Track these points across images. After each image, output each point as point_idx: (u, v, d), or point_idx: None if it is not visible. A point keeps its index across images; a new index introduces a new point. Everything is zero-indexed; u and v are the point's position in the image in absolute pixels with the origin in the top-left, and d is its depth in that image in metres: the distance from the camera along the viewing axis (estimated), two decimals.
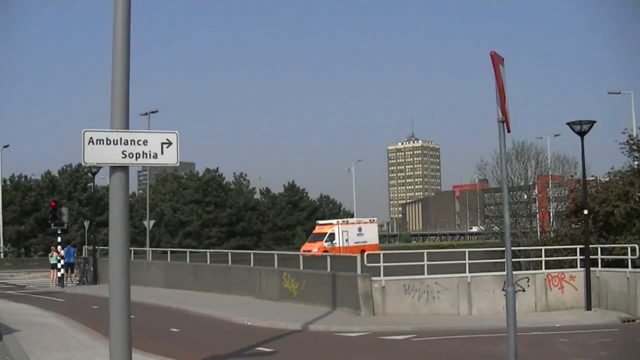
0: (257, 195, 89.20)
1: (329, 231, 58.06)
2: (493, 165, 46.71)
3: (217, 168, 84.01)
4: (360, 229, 60.51)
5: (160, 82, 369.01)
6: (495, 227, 53.96)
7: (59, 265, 33.21)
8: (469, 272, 22.21)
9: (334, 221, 61.90)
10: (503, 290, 20.10)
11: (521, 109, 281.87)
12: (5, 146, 67.09)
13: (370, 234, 61.74)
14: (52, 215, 33.16)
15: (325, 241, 56.25)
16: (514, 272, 12.04)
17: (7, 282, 37.27)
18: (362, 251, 54.95)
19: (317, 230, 60.64)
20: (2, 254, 56.38)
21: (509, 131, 9.66)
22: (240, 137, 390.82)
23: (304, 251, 50.81)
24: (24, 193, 71.09)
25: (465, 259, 22.30)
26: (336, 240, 56.84)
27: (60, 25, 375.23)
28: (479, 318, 20.97)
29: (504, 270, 21.99)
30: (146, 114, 51.90)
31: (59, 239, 33.85)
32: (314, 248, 54.16)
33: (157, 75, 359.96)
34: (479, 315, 21.49)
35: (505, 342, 9.63)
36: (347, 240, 57.27)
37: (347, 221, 62.65)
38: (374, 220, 65.36)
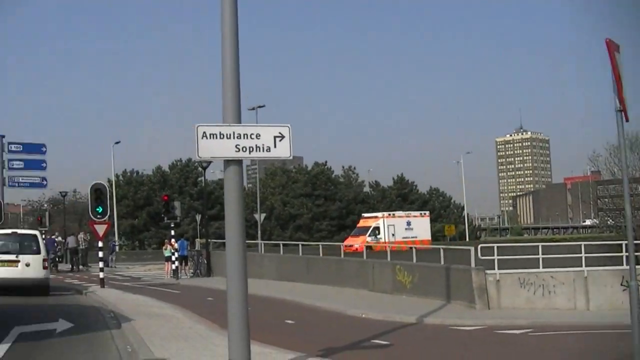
0: (367, 189, 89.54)
1: (374, 225, 54.98)
2: (606, 156, 45.28)
3: (326, 162, 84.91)
4: (409, 223, 57.28)
5: (266, 76, 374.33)
6: (610, 220, 52.11)
7: (173, 258, 34.29)
8: (585, 266, 21.64)
9: (380, 214, 58.36)
10: (622, 285, 19.54)
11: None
12: (117, 142, 69.92)
13: (421, 229, 58.07)
14: (165, 209, 34.30)
15: (369, 235, 53.14)
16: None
17: (123, 274, 38.78)
18: (411, 248, 52.07)
19: (362, 223, 57.46)
20: (117, 247, 58.73)
21: (627, 120, 9.35)
22: (348, 130, 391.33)
23: (346, 246, 47.95)
24: (136, 188, 73.98)
25: (581, 252, 21.70)
26: (381, 235, 53.50)
27: (169, 22, 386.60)
28: (598, 313, 20.29)
29: (621, 265, 21.41)
30: (254, 108, 52.89)
31: (172, 232, 34.98)
32: (356, 243, 50.35)
33: (263, 69, 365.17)
34: (597, 310, 20.81)
35: (628, 338, 9.31)
36: (393, 234, 53.85)
37: (394, 214, 58.96)
38: (425, 214, 61.99)
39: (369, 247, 45.22)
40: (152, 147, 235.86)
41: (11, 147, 37.79)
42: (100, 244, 26.99)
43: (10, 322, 15.42)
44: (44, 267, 22.39)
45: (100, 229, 25.76)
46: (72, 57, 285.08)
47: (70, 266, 41.40)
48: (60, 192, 57.70)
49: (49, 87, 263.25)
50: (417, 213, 61.58)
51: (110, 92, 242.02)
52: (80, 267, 41.34)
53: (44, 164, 38.78)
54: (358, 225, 57.90)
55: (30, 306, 19.99)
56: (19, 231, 25.29)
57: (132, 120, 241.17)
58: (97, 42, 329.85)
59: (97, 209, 25.46)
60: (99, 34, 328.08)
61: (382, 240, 51.87)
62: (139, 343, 12.30)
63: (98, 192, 25.67)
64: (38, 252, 22.23)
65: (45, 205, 74.52)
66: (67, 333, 14.29)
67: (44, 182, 39.20)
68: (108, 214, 26.92)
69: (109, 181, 63.84)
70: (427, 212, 63.07)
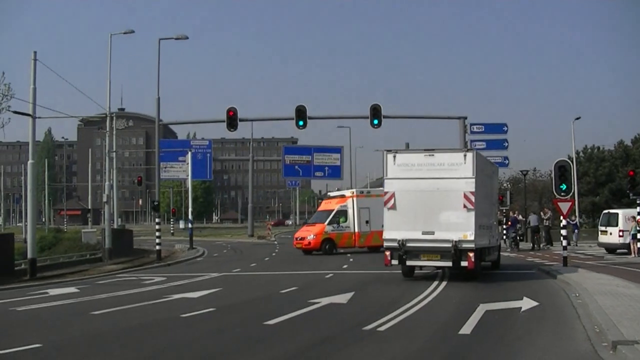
0: None
1: (337, 207, 40.52)
2: None
3: None
4: None
5: None
6: None
7: (638, 236, 33.10)
8: None
9: (348, 192, 42.90)
10: None
11: None
12: (577, 118, 69.15)
13: None
14: (631, 184, 33.19)
15: (329, 223, 39.95)
16: None
17: (585, 252, 38.30)
18: None
19: (323, 206, 43.37)
20: (579, 225, 58.07)
21: None
22: None
23: (295, 239, 41.39)
24: (597, 164, 72.58)
25: None
26: (348, 222, 40.00)
27: None
28: None
29: None
30: None
31: (639, 209, 33.62)
32: (308, 235, 40.34)
33: None
34: None
35: None
36: (368, 222, 39.68)
37: (369, 192, 43.08)
38: None
39: (328, 241, 39.88)
40: (613, 121, 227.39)
41: (473, 129, 40.01)
42: (563, 222, 27.21)
43: (476, 300, 16.57)
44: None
45: (564, 207, 25.94)
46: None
47: (532, 245, 42.30)
48: (521, 171, 59.43)
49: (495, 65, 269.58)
50: None
51: (569, 67, 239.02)
52: (542, 245, 42.04)
53: (505, 144, 40.33)
54: (319, 208, 44.82)
55: (493, 285, 21.12)
56: None
57: (592, 94, 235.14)
58: None
59: (561, 187, 25.69)
60: None
61: (350, 229, 40.04)
62: (606, 323, 12.26)
63: (562, 170, 25.89)
64: None
65: (506, 184, 77.02)
66: (532, 311, 14.90)
67: (506, 162, 40.69)
68: (572, 191, 27.02)
69: (569, 158, 63.49)
70: None
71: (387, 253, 21.87)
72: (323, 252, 39.07)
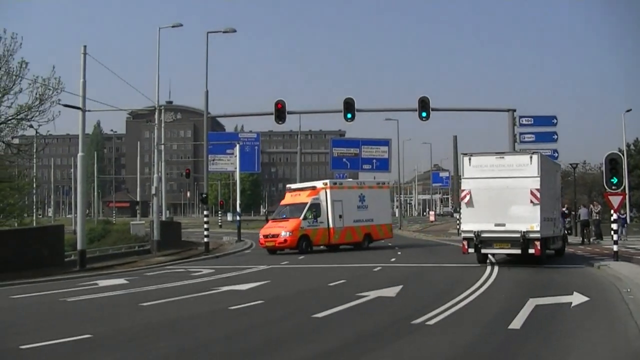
0: None
1: (310, 201, 37.05)
2: None
3: None
4: (362, 198, 39.16)
5: None
6: None
7: None
8: None
9: (320, 183, 39.09)
10: None
11: None
12: (628, 110, 67.99)
13: (379, 208, 40.21)
14: None
15: (304, 218, 36.54)
16: None
17: (635, 247, 37.56)
18: (368, 236, 37.97)
19: (290, 199, 38.85)
20: (628, 219, 57.14)
21: None
22: None
23: (264, 237, 36.94)
24: None
25: None
26: (322, 217, 37.04)
27: None
28: None
29: None
30: None
31: None
32: (281, 231, 36.12)
33: None
34: None
35: None
36: (341, 216, 37.66)
37: (341, 183, 41.09)
38: (385, 184, 43.83)
39: (305, 238, 36.40)
40: None
41: (522, 121, 39.58)
42: (614, 216, 26.84)
43: (525, 294, 16.48)
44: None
45: (615, 201, 25.62)
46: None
47: (581, 239, 41.80)
48: (571, 164, 58.68)
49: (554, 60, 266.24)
50: (373, 183, 43.55)
51: (619, 59, 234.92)
52: (591, 239, 41.51)
53: (554, 136, 39.78)
54: (283, 202, 39.95)
55: (542, 279, 20.99)
56: None
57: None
58: None
59: (612, 180, 25.38)
60: None
61: (324, 225, 37.13)
62: None
63: (613, 163, 25.57)
64: None
65: None
66: (583, 306, 14.76)
67: (555, 155, 40.14)
68: (623, 184, 26.68)
69: (620, 151, 62.53)
70: (386, 183, 45.99)
71: (465, 242, 25.25)
72: (299, 250, 35.69)
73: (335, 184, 39.29)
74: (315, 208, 36.74)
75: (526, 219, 23.94)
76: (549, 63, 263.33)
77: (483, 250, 25.12)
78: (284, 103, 39.05)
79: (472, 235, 24.75)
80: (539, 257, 24.26)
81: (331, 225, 37.10)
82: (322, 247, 37.83)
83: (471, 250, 24.98)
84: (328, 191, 37.31)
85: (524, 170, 24.23)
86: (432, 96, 38.58)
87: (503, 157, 25.03)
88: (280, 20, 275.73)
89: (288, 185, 41.18)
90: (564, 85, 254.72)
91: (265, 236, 36.73)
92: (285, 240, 35.75)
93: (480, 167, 24.99)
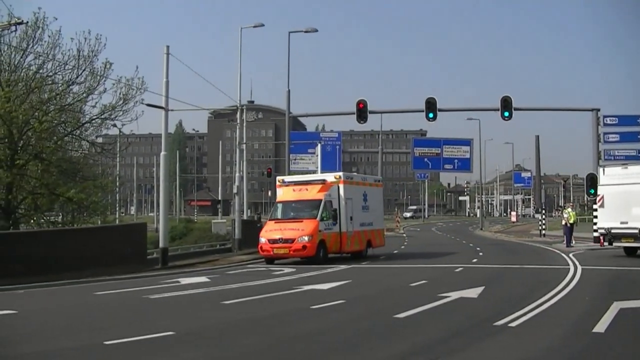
0: None
1: (324, 197, 30.48)
2: None
3: None
4: (365, 197, 33.54)
5: None
6: None
7: None
8: None
9: (329, 176, 32.60)
10: None
11: None
12: None
13: (377, 210, 35.15)
14: None
15: (321, 219, 29.84)
16: None
17: None
18: (369, 243, 33.33)
19: (293, 194, 31.50)
20: None
21: None
22: None
23: (270, 242, 29.49)
24: None
25: None
26: (335, 219, 30.73)
27: None
28: None
29: None
30: None
31: None
32: (298, 235, 29.05)
33: None
34: None
35: None
36: (352, 218, 31.69)
37: (351, 178, 34.12)
38: (379, 182, 37.32)
39: (322, 244, 29.63)
40: None
41: (606, 120, 38.84)
42: None
43: (610, 296, 16.19)
44: None
45: None
46: None
47: None
48: None
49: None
50: (371, 179, 37.69)
51: None
52: None
53: (639, 136, 38.99)
54: (282, 198, 31.92)
55: (627, 281, 20.59)
56: None
57: None
58: None
59: None
60: None
61: (336, 229, 30.76)
62: None
63: None
64: None
65: None
66: None
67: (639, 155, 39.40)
68: None
69: None
70: (380, 180, 38.56)
71: (601, 238, 30.79)
72: (316, 260, 28.79)
73: (348, 178, 33.14)
74: (329, 207, 30.54)
75: None
76: (633, 60, 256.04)
77: (614, 244, 30.68)
78: (366, 102, 39.25)
79: (604, 231, 30.42)
80: None
81: (343, 229, 31.00)
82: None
83: (606, 243, 30.68)
84: (341, 186, 31.30)
85: None
86: (514, 95, 38.23)
87: (627, 167, 31.02)
88: (360, 19, 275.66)
89: (280, 178, 33.34)
90: None
91: (273, 241, 29.39)
92: (304, 247, 28.84)
93: (610, 176, 30.77)
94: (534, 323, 12.88)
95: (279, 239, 29.17)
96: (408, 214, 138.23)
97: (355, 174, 39.85)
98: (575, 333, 12.09)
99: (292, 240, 28.95)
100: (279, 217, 31.02)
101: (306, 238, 28.79)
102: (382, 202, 37.15)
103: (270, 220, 31.55)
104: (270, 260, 29.75)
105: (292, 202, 31.10)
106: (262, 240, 29.89)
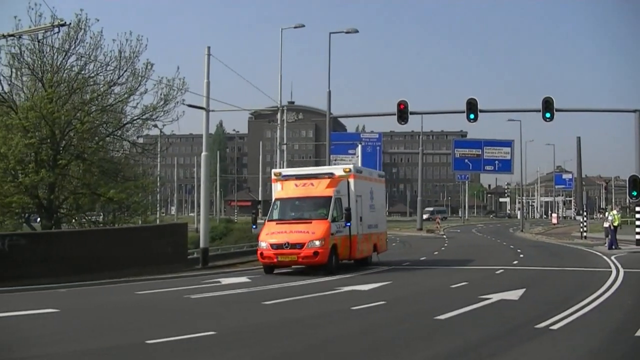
0: None
1: (334, 195, 25.57)
2: None
3: None
4: (372, 194, 29.00)
5: None
6: None
7: None
8: None
9: (337, 169, 27.71)
10: None
11: None
12: None
13: (381, 210, 31.37)
14: None
15: (333, 220, 24.98)
16: None
17: None
18: (374, 248, 29.87)
19: (295, 190, 26.49)
20: None
21: None
22: None
23: (273, 247, 24.29)
24: None
25: None
26: (354, 219, 26.02)
27: None
28: None
29: None
30: None
31: None
32: (308, 239, 24.05)
33: None
34: None
35: None
36: (361, 219, 27.19)
37: (360, 171, 29.32)
38: (382, 178, 32.54)
39: (334, 250, 24.87)
40: None
41: None
42: None
43: None
44: None
45: None
46: None
47: None
48: None
49: None
50: (375, 173, 32.48)
51: None
52: None
53: None
54: (282, 194, 26.62)
55: None
56: None
57: None
58: None
59: None
60: None
61: (347, 231, 25.83)
62: None
63: None
64: None
65: None
66: None
67: None
68: None
69: None
70: (383, 175, 33.87)
71: None
72: (329, 269, 24.45)
73: (358, 171, 28.56)
74: (340, 205, 25.75)
75: None
76: None
77: None
78: (407, 103, 39.19)
79: None
80: None
81: (353, 232, 26.32)
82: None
83: None
84: (351, 181, 26.61)
85: None
86: (556, 96, 37.90)
87: None
88: (402, 19, 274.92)
89: (277, 170, 28.71)
90: None
91: (276, 246, 24.44)
92: (316, 253, 24.02)
93: None
94: (575, 326, 12.82)
95: (285, 243, 24.29)
96: (425, 216, 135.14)
97: (363, 167, 35.46)
98: (618, 337, 12.02)
99: (302, 245, 24.07)
100: (280, 217, 25.95)
101: (317, 243, 24.06)
102: (385, 200, 34.55)
103: (269, 221, 25.86)
104: (269, 268, 25.21)
105: (296, 199, 26.38)
106: (263, 245, 24.87)
